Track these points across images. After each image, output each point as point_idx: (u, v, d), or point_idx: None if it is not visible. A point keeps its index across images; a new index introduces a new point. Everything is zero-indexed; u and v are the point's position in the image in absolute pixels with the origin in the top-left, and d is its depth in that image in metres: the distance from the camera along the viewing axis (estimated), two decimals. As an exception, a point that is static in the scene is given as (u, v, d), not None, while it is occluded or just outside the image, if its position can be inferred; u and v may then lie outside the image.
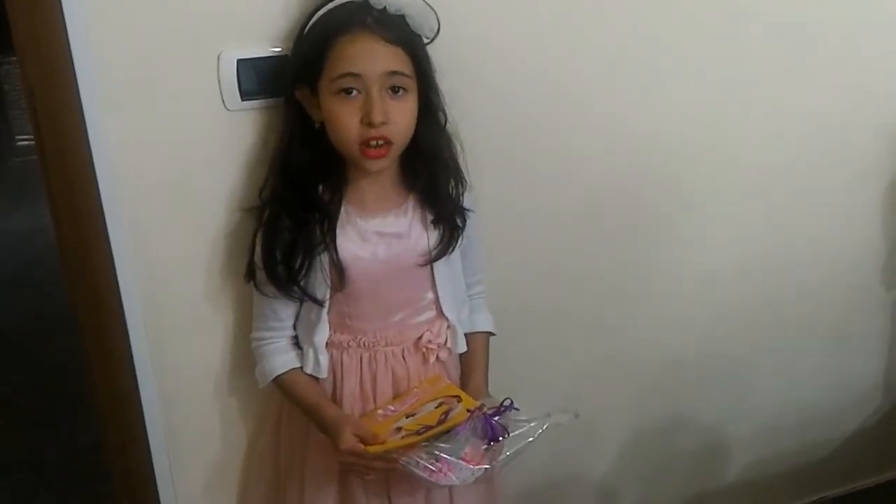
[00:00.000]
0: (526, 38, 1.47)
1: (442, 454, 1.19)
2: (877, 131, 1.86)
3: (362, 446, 1.24)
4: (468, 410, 1.26)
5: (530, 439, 1.24)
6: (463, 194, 1.39)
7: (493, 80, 1.47)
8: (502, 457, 1.24)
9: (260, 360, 1.38)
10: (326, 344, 1.35)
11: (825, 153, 1.83)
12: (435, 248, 1.35)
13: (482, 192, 1.45)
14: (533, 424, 1.24)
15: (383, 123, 1.22)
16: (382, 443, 1.24)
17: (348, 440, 1.24)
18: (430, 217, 1.35)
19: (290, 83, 1.27)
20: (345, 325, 1.35)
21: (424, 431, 1.23)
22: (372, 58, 1.21)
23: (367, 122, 1.21)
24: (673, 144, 1.68)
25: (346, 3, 1.23)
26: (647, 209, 1.72)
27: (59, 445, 2.65)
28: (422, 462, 1.19)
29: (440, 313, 1.39)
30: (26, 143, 4.91)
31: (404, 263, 1.34)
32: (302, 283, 1.31)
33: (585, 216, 1.67)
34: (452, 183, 1.37)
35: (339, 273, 1.31)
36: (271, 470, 1.50)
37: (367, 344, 1.35)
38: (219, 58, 1.30)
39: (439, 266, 1.37)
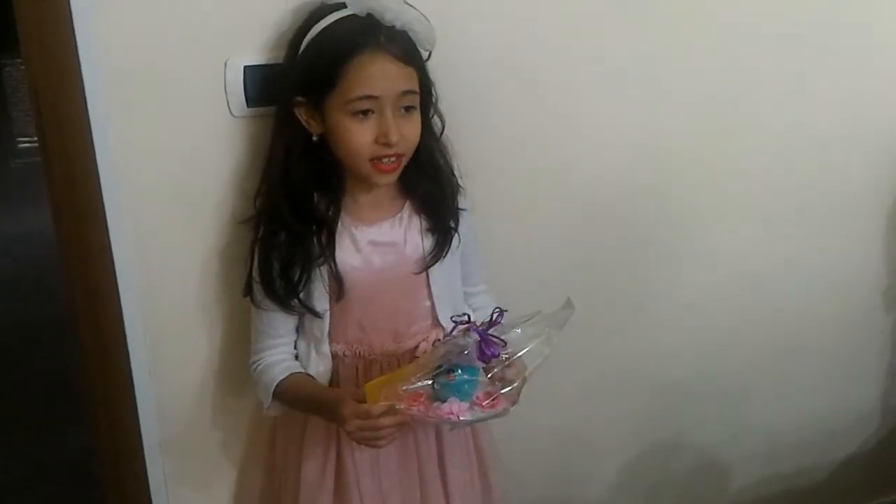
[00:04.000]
0: (523, 42, 1.47)
1: (451, 396, 1.17)
2: (880, 152, 1.86)
3: (364, 406, 1.20)
4: (456, 322, 1.24)
5: (539, 361, 1.22)
6: (457, 197, 1.39)
7: (487, 87, 1.46)
8: (511, 388, 1.21)
9: (259, 377, 1.36)
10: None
11: (828, 172, 1.83)
12: (430, 254, 1.35)
13: (477, 203, 1.44)
14: (536, 343, 1.21)
15: (397, 143, 1.23)
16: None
17: (349, 405, 1.21)
18: (425, 224, 1.35)
19: (288, 96, 1.25)
20: (340, 334, 1.35)
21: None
22: (389, 79, 1.21)
23: (383, 142, 1.22)
24: (672, 159, 1.67)
25: (348, 17, 1.21)
26: (645, 224, 1.72)
27: (48, 450, 2.63)
28: (432, 408, 1.17)
29: (436, 322, 1.38)
30: (27, 144, 4.89)
31: (399, 272, 1.34)
32: (301, 297, 1.31)
33: (582, 229, 1.66)
34: (448, 187, 1.37)
35: (339, 284, 1.30)
36: (266, 477, 1.49)
37: (362, 353, 1.35)
38: (226, 64, 1.29)
39: (435, 273, 1.36)
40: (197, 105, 1.30)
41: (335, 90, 1.21)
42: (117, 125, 1.27)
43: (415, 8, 1.23)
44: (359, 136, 1.22)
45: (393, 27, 1.21)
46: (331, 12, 1.22)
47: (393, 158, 1.25)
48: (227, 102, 1.31)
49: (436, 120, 1.35)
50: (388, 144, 1.22)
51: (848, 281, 1.97)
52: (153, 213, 1.34)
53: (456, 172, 1.39)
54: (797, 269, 1.90)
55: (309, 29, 1.23)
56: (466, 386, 1.18)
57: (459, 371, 1.18)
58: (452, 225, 1.37)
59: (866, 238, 1.95)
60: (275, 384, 1.34)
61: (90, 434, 1.52)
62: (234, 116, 1.32)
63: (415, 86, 1.25)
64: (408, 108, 1.25)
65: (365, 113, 1.22)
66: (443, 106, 1.35)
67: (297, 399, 1.35)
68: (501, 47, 1.46)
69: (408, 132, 1.25)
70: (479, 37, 1.43)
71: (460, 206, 1.39)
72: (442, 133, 1.36)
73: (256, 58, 1.30)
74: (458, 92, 1.37)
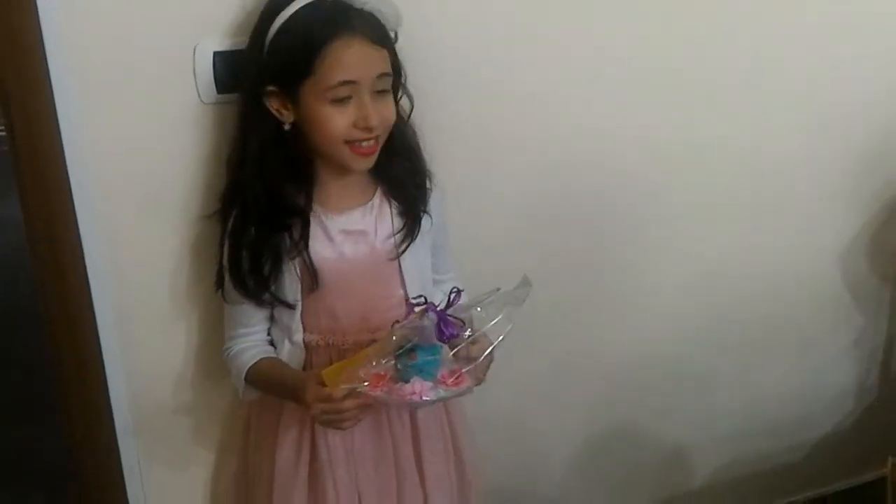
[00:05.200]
0: (493, 27, 1.47)
1: (415, 376, 1.16)
2: (853, 149, 1.87)
3: (326, 390, 1.19)
4: (412, 303, 1.23)
5: (501, 338, 1.20)
6: (427, 177, 1.39)
7: (454, 71, 1.46)
8: (475, 365, 1.20)
9: (231, 364, 1.36)
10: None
11: (801, 164, 1.84)
12: (400, 233, 1.34)
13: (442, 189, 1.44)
14: (498, 320, 1.19)
15: (377, 126, 1.23)
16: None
17: (312, 389, 1.21)
18: (396, 208, 1.35)
19: (258, 86, 1.23)
20: (313, 324, 1.34)
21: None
22: (367, 63, 1.21)
23: (362, 126, 1.22)
24: (643, 147, 1.67)
25: (315, 1, 1.19)
26: (612, 212, 1.72)
27: (20, 446, 2.61)
28: (395, 389, 1.16)
29: (410, 311, 1.37)
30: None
31: (371, 261, 1.33)
32: (273, 290, 1.30)
33: (548, 217, 1.66)
34: (420, 165, 1.37)
35: (312, 275, 1.30)
36: (241, 463, 1.49)
37: (335, 343, 1.34)
38: (195, 50, 1.28)
39: (406, 261, 1.36)
40: (166, 92, 1.29)
41: (311, 78, 1.19)
42: (86, 115, 1.26)
43: None
44: (338, 122, 1.22)
45: (362, 9, 1.20)
46: None
47: (372, 141, 1.25)
48: (197, 89, 1.30)
49: (405, 100, 1.34)
50: (368, 128, 1.22)
51: (818, 266, 1.98)
52: (124, 203, 1.33)
53: (425, 155, 1.39)
54: (767, 258, 1.91)
55: (274, 15, 1.20)
56: (429, 365, 1.17)
57: (421, 351, 1.17)
58: (422, 207, 1.36)
59: (836, 226, 1.96)
60: (245, 369, 1.34)
61: (62, 421, 1.50)
62: (204, 103, 1.31)
63: (389, 68, 1.25)
64: (382, 91, 1.24)
65: (344, 100, 1.21)
66: (410, 90, 1.34)
67: (267, 383, 1.35)
68: (469, 32, 1.45)
69: (386, 114, 1.25)
70: (447, 20, 1.42)
71: (430, 188, 1.39)
72: (411, 113, 1.35)
73: (226, 43, 1.29)
74: (425, 75, 1.36)
